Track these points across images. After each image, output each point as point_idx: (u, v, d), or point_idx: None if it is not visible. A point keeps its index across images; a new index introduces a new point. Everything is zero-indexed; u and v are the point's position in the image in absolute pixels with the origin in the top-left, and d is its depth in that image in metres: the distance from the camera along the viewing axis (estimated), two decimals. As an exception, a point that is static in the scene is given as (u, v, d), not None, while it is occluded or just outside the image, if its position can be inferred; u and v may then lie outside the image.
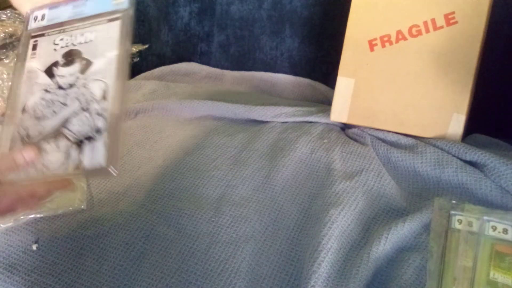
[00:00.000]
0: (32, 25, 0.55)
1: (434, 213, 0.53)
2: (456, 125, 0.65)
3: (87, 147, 0.47)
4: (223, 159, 0.67)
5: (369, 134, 0.70)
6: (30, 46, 0.54)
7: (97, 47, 0.52)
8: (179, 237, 0.54)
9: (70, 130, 0.49)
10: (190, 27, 0.66)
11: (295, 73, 1.00)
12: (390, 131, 0.69)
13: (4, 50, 0.97)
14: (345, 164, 0.63)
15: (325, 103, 0.88)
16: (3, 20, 1.06)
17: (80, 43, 0.52)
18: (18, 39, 0.99)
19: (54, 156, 0.48)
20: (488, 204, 0.55)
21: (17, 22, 1.07)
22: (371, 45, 0.68)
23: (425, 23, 0.65)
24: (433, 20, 0.64)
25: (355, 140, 0.69)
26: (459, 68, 0.64)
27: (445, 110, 0.66)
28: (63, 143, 0.48)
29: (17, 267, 0.54)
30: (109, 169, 0.46)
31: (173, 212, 0.58)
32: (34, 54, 0.54)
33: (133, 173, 0.66)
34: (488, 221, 0.50)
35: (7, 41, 0.97)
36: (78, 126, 0.48)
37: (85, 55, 0.52)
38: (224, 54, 1.09)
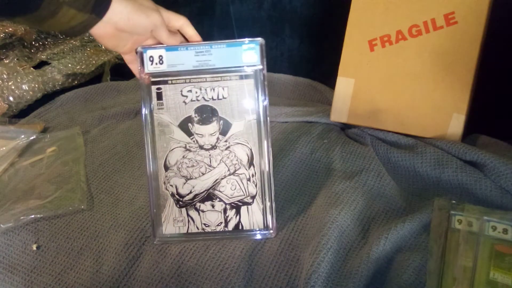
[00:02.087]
0: (149, 67, 0.51)
1: (434, 213, 0.53)
2: (456, 125, 0.65)
3: (244, 210, 0.52)
4: (223, 159, 0.67)
5: (369, 134, 0.70)
6: (154, 95, 0.51)
7: (232, 106, 0.51)
8: (179, 237, 0.54)
9: (221, 192, 0.52)
10: (190, 27, 0.67)
11: (295, 73, 1.00)
12: (390, 131, 0.69)
13: (4, 50, 0.97)
14: (345, 164, 0.63)
15: (325, 103, 0.88)
16: (3, 20, 1.06)
17: (213, 99, 0.51)
18: (18, 39, 1.00)
19: (212, 215, 0.52)
20: (488, 204, 0.55)
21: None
22: (371, 45, 0.68)
23: (425, 23, 0.65)
24: (433, 20, 0.64)
25: (355, 140, 0.69)
26: (459, 68, 0.64)
27: (445, 110, 0.66)
28: (217, 203, 0.52)
29: (17, 267, 0.54)
30: (268, 232, 0.51)
31: (173, 212, 0.58)
32: (161, 104, 0.51)
33: (132, 173, 0.66)
34: (488, 221, 0.50)
35: (7, 41, 0.97)
36: (229, 190, 0.52)
37: (221, 114, 0.51)
38: (224, 54, 1.09)
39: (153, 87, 0.52)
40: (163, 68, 0.51)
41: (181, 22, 0.52)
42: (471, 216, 0.51)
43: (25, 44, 1.02)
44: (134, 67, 0.58)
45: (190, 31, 0.53)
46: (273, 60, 1.05)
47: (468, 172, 0.58)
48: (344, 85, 0.70)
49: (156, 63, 0.51)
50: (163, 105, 0.52)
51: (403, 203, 0.57)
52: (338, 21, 0.72)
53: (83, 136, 0.76)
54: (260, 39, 0.52)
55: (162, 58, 0.51)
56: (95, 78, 1.06)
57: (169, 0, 0.63)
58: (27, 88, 0.89)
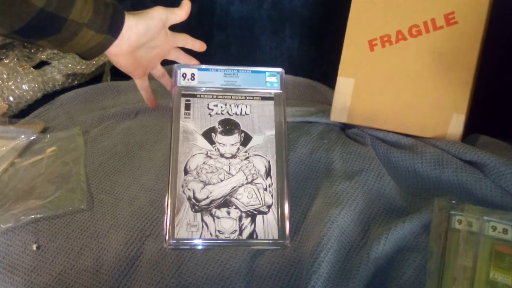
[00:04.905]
0: (182, 82, 0.57)
1: (434, 213, 0.53)
2: (456, 125, 0.65)
3: (259, 219, 0.52)
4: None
5: (369, 134, 0.70)
6: (183, 105, 0.56)
7: (254, 122, 0.56)
8: (179, 237, 0.54)
9: (238, 200, 0.53)
10: (190, 27, 0.66)
11: (295, 73, 1.00)
12: (390, 131, 0.69)
13: (4, 50, 0.97)
14: (345, 164, 0.63)
15: (325, 103, 0.88)
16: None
17: (236, 114, 0.56)
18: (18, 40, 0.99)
19: (227, 222, 0.52)
20: (488, 204, 0.55)
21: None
22: (371, 45, 0.68)
23: (425, 23, 0.65)
24: (433, 20, 0.64)
25: (355, 140, 0.69)
26: (459, 68, 0.64)
27: (445, 110, 0.66)
28: (233, 211, 0.52)
29: (17, 267, 0.54)
30: (283, 242, 0.51)
31: (173, 212, 0.58)
32: (188, 114, 0.56)
33: (133, 172, 0.66)
34: (488, 221, 0.50)
35: (7, 41, 0.97)
36: (246, 198, 0.53)
37: (243, 128, 0.56)
38: (224, 54, 1.09)
39: (183, 99, 0.57)
40: (194, 83, 0.57)
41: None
42: (471, 216, 0.51)
43: (25, 44, 1.02)
44: (145, 92, 0.66)
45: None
46: (273, 60, 1.05)
47: (468, 172, 0.58)
48: (344, 85, 0.70)
49: (188, 79, 0.57)
50: (189, 114, 0.56)
51: (403, 203, 0.57)
52: (338, 21, 0.72)
53: (83, 136, 0.76)
54: (281, 69, 0.59)
55: (194, 75, 0.57)
56: (95, 78, 1.06)
57: (169, 1, 0.63)
58: (27, 88, 0.89)
